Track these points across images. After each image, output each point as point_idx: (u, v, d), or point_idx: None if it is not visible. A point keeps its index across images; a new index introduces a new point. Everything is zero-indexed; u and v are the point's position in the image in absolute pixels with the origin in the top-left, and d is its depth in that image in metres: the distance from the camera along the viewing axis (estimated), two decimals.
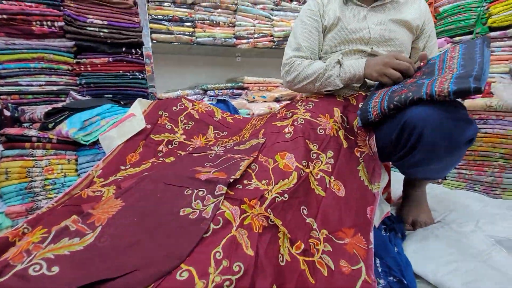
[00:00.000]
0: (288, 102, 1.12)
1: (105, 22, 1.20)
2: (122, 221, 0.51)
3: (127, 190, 0.62)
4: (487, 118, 1.06)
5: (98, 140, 0.93)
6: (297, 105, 0.90)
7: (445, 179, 1.22)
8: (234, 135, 1.04)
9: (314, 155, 0.74)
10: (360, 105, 0.82)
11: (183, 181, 0.59)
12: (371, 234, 0.61)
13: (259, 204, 0.54)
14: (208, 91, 1.78)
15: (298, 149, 0.71)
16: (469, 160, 1.13)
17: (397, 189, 1.06)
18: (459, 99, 0.67)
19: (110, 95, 1.24)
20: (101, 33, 1.19)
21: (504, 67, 1.24)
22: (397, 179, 0.99)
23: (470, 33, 1.44)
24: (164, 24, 1.59)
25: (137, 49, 1.41)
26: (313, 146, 0.76)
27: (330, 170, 0.72)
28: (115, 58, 1.24)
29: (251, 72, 2.09)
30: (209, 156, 0.76)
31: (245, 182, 0.61)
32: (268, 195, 0.58)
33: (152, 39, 1.56)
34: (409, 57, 0.99)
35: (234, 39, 1.79)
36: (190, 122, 1.07)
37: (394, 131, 0.67)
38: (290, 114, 0.86)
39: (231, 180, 0.57)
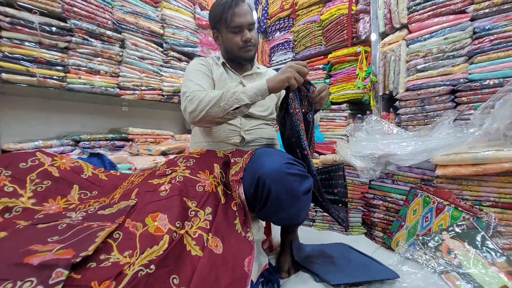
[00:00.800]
0: (171, 158, 1.08)
1: None
2: None
3: None
4: None
5: None
6: (178, 161, 0.89)
7: (314, 222, 1.42)
8: (106, 194, 0.90)
9: (193, 212, 0.73)
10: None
11: (1, 271, 0.44)
12: None
13: (114, 286, 0.46)
14: (82, 142, 1.54)
15: (173, 208, 0.68)
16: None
17: (279, 236, 1.15)
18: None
19: None
20: None
21: (342, 131, 1.67)
22: (279, 227, 1.09)
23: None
24: (23, 65, 1.34)
25: None
26: (192, 203, 0.74)
27: (208, 227, 0.71)
28: None
29: (139, 123, 1.98)
30: (59, 227, 0.61)
31: (101, 257, 0.52)
32: (129, 270, 0.51)
33: (2, 79, 1.28)
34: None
35: (118, 89, 1.69)
36: (45, 182, 0.87)
37: (252, 185, 0.75)
38: (170, 171, 0.84)
39: (78, 260, 0.47)
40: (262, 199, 0.75)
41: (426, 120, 1.37)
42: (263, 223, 1.07)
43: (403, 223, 1.08)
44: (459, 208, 0.94)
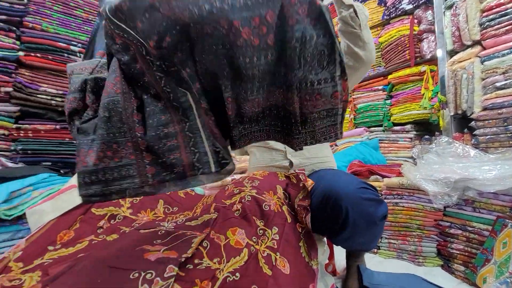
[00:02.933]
0: (237, 178, 1.17)
1: (60, 92, 1.21)
2: None
3: (58, 276, 0.55)
4: (402, 194, 1.28)
5: (24, 214, 0.82)
6: (244, 182, 0.96)
7: (379, 249, 1.34)
8: (185, 211, 1.02)
9: (261, 231, 0.77)
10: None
11: (128, 263, 0.55)
12: None
13: (210, 286, 0.53)
14: None
15: (248, 225, 0.75)
16: (394, 230, 1.29)
17: (341, 260, 1.12)
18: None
19: (49, 163, 1.15)
20: (53, 101, 1.18)
21: (407, 153, 1.58)
22: (342, 251, 1.07)
23: (380, 125, 1.85)
24: None
25: None
26: (260, 222, 0.79)
27: (276, 247, 0.74)
28: (63, 125, 1.21)
29: None
30: (159, 233, 0.73)
31: (195, 261, 0.60)
32: (220, 274, 0.58)
33: None
34: None
35: None
36: None
37: (326, 211, 0.77)
38: (238, 190, 0.91)
39: (183, 260, 0.56)
40: (338, 224, 0.76)
41: (511, 142, 1.23)
42: (328, 249, 1.06)
43: (490, 257, 0.96)
44: None
